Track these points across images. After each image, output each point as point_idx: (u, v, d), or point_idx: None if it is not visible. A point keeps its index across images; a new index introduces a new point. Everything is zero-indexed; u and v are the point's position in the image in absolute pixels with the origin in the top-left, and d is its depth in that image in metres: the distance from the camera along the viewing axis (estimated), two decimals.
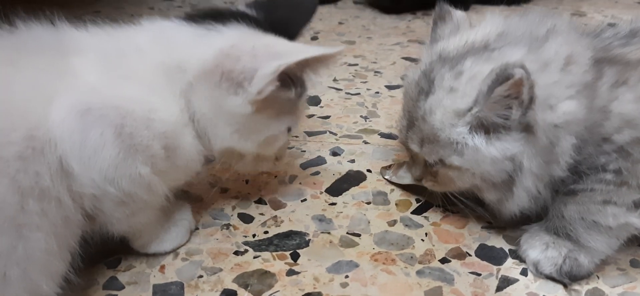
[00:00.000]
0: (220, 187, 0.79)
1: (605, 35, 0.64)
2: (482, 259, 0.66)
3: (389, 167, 0.84)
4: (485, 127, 0.58)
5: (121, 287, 0.61)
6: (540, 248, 0.62)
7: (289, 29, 0.66)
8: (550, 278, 0.62)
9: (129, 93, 0.55)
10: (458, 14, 0.71)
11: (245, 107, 0.59)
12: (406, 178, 0.78)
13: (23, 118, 0.47)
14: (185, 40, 0.60)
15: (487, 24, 0.66)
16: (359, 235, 0.69)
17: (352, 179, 0.82)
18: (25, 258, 0.46)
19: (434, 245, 0.68)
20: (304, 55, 0.58)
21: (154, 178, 0.56)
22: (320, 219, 0.73)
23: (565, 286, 0.61)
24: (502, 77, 0.54)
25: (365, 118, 1.03)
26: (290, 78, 0.61)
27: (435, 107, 0.61)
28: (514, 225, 0.67)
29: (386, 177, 0.82)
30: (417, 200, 0.77)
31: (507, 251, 0.67)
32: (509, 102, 0.55)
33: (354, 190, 0.80)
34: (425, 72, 0.64)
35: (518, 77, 0.53)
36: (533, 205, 0.62)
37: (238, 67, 0.58)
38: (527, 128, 0.57)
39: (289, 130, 0.67)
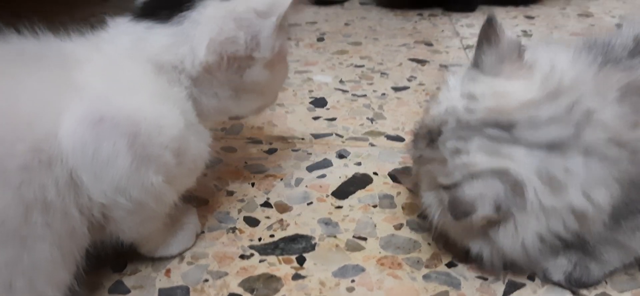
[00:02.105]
0: (226, 190, 0.79)
1: (617, 50, 0.59)
2: None
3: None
4: None
5: (127, 291, 0.61)
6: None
7: None
8: (558, 284, 0.61)
9: (137, 102, 0.54)
10: (507, 38, 0.59)
11: (263, 72, 0.64)
12: None
13: (29, 130, 0.47)
14: (164, 40, 0.58)
15: (533, 82, 0.57)
16: (365, 239, 0.69)
17: (359, 182, 0.82)
18: (31, 268, 0.46)
19: (440, 249, 0.67)
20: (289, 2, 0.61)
21: (164, 187, 0.55)
22: (327, 222, 0.72)
23: (573, 292, 0.61)
24: (460, 211, 0.54)
25: (372, 120, 1.03)
26: None
27: (426, 162, 0.61)
28: None
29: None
30: None
31: None
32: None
33: (360, 193, 0.79)
34: (441, 120, 0.59)
35: (479, 215, 0.53)
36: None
37: (240, 46, 0.60)
38: (496, 244, 0.57)
39: None
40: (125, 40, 0.59)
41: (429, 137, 0.60)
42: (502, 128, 0.54)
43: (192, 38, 0.58)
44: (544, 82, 0.56)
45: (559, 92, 0.55)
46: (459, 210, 0.54)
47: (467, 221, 0.54)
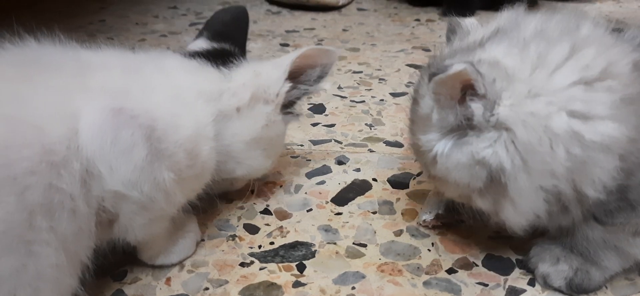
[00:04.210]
0: (225, 198, 0.79)
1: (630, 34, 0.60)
2: (489, 269, 0.65)
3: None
4: (454, 130, 0.55)
5: None
6: (550, 261, 0.61)
7: (239, 40, 0.79)
8: (559, 290, 0.61)
9: (157, 100, 0.57)
10: (467, 21, 0.66)
11: (272, 116, 0.72)
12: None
13: (39, 135, 0.47)
14: (217, 76, 0.68)
15: (497, 19, 0.61)
16: (365, 246, 0.69)
17: (358, 188, 0.82)
18: (36, 277, 0.45)
19: (440, 255, 0.67)
20: (300, 52, 0.72)
21: (175, 185, 0.56)
22: (326, 229, 0.72)
23: None
24: (434, 70, 0.51)
25: (370, 126, 1.03)
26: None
27: (413, 117, 0.61)
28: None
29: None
30: None
31: (515, 261, 0.66)
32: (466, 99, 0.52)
33: (359, 200, 0.79)
34: (418, 83, 0.62)
35: (453, 70, 0.49)
36: (548, 218, 0.57)
37: (261, 89, 0.70)
38: (506, 128, 0.52)
39: None
40: (171, 62, 0.66)
41: (414, 99, 0.62)
42: (470, 48, 0.57)
43: (237, 81, 0.69)
44: (510, 15, 0.61)
45: (547, 18, 0.58)
46: (434, 71, 0.52)
47: (440, 84, 0.52)
